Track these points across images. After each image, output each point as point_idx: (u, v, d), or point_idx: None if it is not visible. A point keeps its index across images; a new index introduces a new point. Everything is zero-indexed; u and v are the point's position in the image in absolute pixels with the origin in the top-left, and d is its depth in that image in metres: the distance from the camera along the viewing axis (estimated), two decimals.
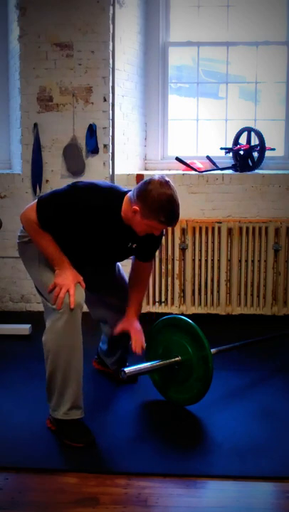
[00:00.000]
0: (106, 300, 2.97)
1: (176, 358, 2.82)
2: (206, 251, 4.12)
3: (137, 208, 2.44)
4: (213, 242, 4.11)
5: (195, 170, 4.32)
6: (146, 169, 4.62)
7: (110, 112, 4.16)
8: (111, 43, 4.11)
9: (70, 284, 2.51)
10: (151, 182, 2.44)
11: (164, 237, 4.07)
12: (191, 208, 4.22)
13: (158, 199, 2.40)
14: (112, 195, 2.56)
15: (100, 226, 2.53)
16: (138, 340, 2.80)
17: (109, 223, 2.54)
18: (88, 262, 2.75)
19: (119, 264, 3.03)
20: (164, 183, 2.43)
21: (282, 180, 4.22)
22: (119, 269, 3.02)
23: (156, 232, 2.54)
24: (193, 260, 4.14)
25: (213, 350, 2.80)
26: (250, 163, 4.38)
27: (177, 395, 2.89)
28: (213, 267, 4.14)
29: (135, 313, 2.86)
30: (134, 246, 2.71)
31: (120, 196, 2.55)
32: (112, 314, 2.97)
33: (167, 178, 2.47)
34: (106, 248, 2.66)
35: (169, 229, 4.06)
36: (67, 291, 2.50)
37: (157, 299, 4.15)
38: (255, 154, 4.36)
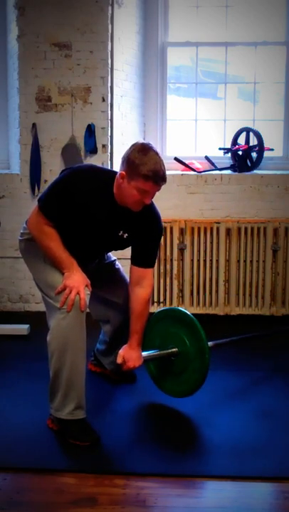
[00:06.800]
0: (107, 299, 2.97)
1: (173, 349, 2.82)
2: (205, 251, 4.12)
3: (123, 172, 2.50)
4: (211, 243, 4.11)
5: (194, 170, 4.32)
6: None
7: (109, 112, 4.16)
8: (110, 43, 4.10)
9: (79, 287, 2.53)
10: (133, 144, 2.54)
11: (162, 238, 4.07)
12: (189, 208, 4.22)
13: (140, 156, 2.46)
14: (104, 175, 2.63)
15: (101, 205, 2.56)
16: (128, 362, 2.74)
17: (108, 203, 2.57)
18: (94, 251, 2.78)
19: (119, 264, 3.03)
20: (145, 144, 2.54)
21: (281, 180, 4.22)
22: (119, 269, 3.02)
23: (146, 199, 2.51)
24: (192, 260, 4.14)
25: (210, 343, 2.80)
26: (249, 164, 4.38)
27: (173, 386, 2.88)
28: (211, 268, 4.13)
29: (136, 344, 2.77)
30: (124, 236, 2.69)
31: (112, 176, 2.60)
32: (114, 313, 2.98)
33: (149, 142, 2.57)
34: (108, 231, 2.66)
35: (168, 229, 4.06)
36: (77, 293, 2.51)
37: (156, 299, 4.14)
38: (254, 154, 4.36)
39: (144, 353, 2.81)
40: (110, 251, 2.96)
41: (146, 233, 2.71)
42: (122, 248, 2.82)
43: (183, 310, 2.89)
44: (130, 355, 2.74)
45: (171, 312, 2.95)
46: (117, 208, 2.60)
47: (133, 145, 2.53)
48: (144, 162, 2.44)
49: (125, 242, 2.75)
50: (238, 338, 3.29)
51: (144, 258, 2.75)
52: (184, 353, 2.80)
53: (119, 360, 2.76)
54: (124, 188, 2.51)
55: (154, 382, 2.99)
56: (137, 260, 2.75)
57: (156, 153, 2.49)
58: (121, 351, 2.77)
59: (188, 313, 2.84)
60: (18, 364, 3.40)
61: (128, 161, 2.49)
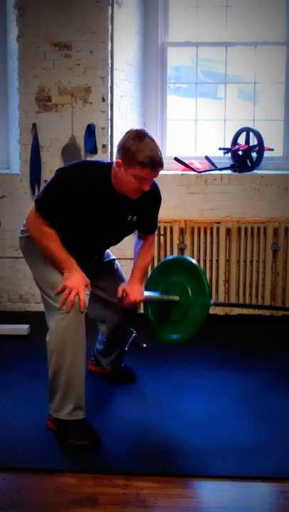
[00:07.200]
0: (104, 299, 2.96)
1: (175, 297, 2.78)
2: (205, 251, 4.12)
3: (120, 160, 2.48)
4: (211, 243, 4.12)
5: (194, 170, 4.32)
6: None
7: (109, 112, 4.16)
8: (110, 43, 4.10)
9: (79, 287, 2.53)
10: (128, 132, 2.53)
11: (162, 238, 4.09)
12: (189, 209, 4.22)
13: (135, 143, 2.45)
14: (99, 168, 2.61)
15: (97, 202, 2.55)
16: (129, 295, 2.71)
17: (105, 197, 2.57)
18: (93, 248, 2.77)
19: (118, 264, 3.02)
20: (139, 130, 2.53)
21: (281, 180, 4.22)
22: (118, 269, 3.01)
23: (145, 186, 2.51)
24: None
25: (212, 301, 2.76)
26: (249, 164, 4.38)
27: (168, 335, 2.83)
28: (211, 268, 4.13)
29: (138, 279, 2.79)
30: (134, 219, 2.70)
31: (108, 167, 2.59)
32: (111, 313, 2.96)
33: (143, 128, 2.54)
34: (108, 226, 2.65)
35: (168, 229, 4.06)
36: (77, 294, 2.50)
37: None
38: (254, 154, 4.36)
39: (146, 293, 2.80)
40: (120, 240, 2.92)
41: (150, 207, 2.74)
42: (130, 233, 2.84)
43: (190, 259, 2.86)
44: (131, 288, 2.73)
45: (178, 261, 2.93)
46: (117, 196, 2.59)
47: (128, 132, 2.52)
48: (140, 149, 2.43)
49: (135, 224, 2.77)
50: (239, 304, 3.27)
51: (148, 227, 2.86)
52: (184, 302, 2.75)
53: (119, 293, 2.74)
54: (121, 176, 2.51)
55: (152, 332, 2.92)
56: (142, 230, 2.86)
57: (152, 139, 2.48)
58: (122, 285, 2.77)
59: (197, 264, 2.80)
60: (18, 364, 3.40)
61: (124, 148, 2.48)
